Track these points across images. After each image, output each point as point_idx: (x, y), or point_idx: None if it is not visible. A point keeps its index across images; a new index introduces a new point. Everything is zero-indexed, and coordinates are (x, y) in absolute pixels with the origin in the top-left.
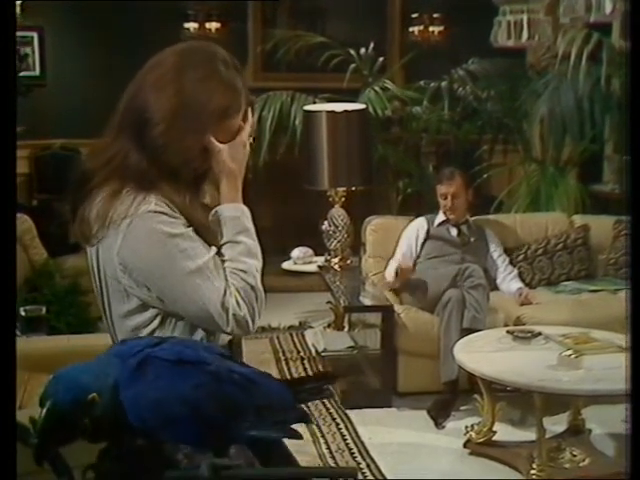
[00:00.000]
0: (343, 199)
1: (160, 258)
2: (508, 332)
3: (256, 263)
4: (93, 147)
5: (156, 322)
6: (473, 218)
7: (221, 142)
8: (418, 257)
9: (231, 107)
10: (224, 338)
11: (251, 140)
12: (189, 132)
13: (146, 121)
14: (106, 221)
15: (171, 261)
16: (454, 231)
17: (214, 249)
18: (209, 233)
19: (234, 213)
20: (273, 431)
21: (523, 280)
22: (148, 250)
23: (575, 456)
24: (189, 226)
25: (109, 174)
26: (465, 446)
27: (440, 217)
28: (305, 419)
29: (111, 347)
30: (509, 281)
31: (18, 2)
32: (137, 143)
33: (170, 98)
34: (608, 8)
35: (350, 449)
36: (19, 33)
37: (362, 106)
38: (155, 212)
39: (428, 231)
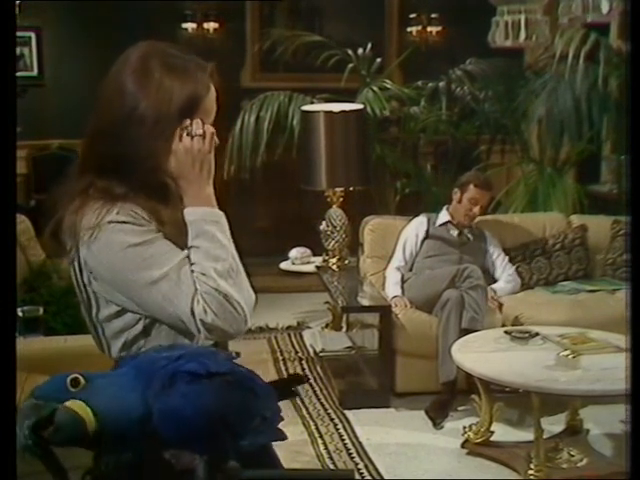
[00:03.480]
0: (341, 199)
1: (123, 268)
2: (506, 332)
3: (217, 265)
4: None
5: (140, 325)
6: None
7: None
8: (416, 255)
9: (168, 110)
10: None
11: (206, 146)
12: (135, 141)
13: (104, 134)
14: (74, 233)
15: (134, 270)
16: (455, 231)
17: (185, 253)
18: (183, 237)
19: (191, 217)
20: (269, 434)
21: (522, 279)
22: (110, 261)
23: (573, 456)
24: (160, 231)
25: (81, 188)
26: (463, 446)
27: (444, 217)
28: (282, 418)
29: (122, 364)
30: (502, 281)
31: (16, 2)
32: (102, 155)
33: (115, 108)
34: (605, 8)
35: (348, 449)
36: (17, 33)
37: (360, 106)
38: (117, 222)
39: (428, 230)
